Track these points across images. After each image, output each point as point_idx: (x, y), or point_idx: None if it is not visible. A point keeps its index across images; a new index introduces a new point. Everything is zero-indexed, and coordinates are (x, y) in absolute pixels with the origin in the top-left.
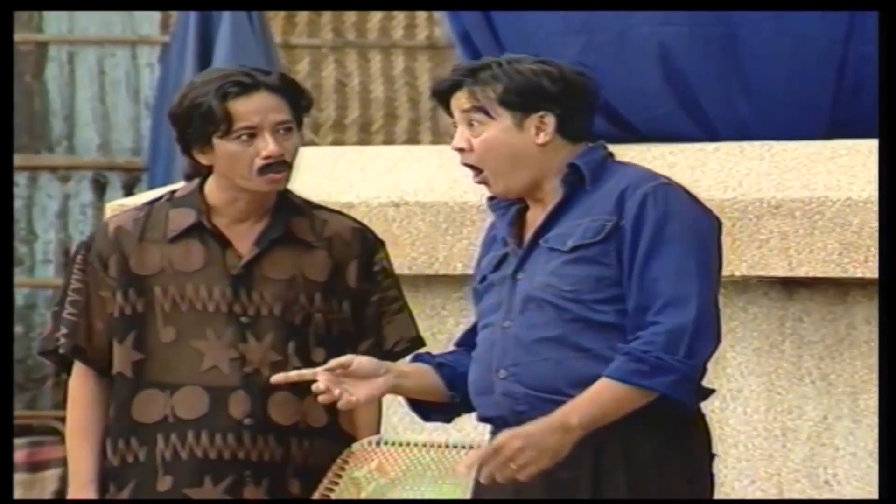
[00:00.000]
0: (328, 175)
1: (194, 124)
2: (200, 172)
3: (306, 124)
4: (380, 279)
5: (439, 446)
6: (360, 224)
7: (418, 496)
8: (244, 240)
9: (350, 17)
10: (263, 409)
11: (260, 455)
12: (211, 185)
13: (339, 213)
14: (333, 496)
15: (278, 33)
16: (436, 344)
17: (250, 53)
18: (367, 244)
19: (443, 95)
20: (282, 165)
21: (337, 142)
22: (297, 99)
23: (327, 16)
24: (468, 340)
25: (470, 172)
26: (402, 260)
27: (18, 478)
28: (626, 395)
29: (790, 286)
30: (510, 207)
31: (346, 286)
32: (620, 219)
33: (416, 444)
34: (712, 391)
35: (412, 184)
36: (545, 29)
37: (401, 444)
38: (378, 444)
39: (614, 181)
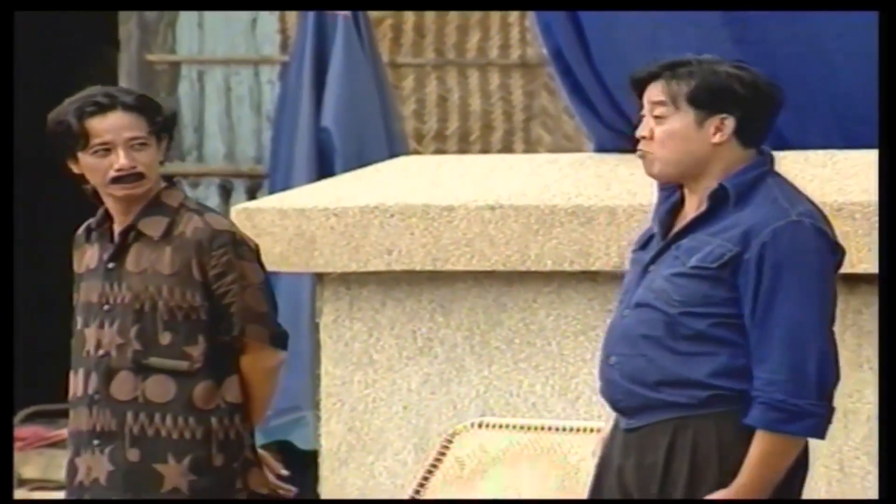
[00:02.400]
0: (431, 181)
1: (60, 140)
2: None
3: (411, 134)
4: (219, 273)
5: (535, 428)
6: (210, 226)
7: (515, 474)
8: (117, 238)
9: (451, 37)
10: (106, 386)
11: (103, 426)
12: None
13: (205, 214)
14: (438, 472)
15: (385, 53)
16: (527, 333)
17: (360, 72)
18: (207, 243)
19: (639, 84)
20: (134, 176)
21: (438, 151)
22: (153, 116)
23: (430, 37)
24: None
25: (557, 177)
26: (497, 258)
27: None
28: (779, 444)
29: (851, 282)
30: (673, 196)
31: (192, 279)
32: (744, 252)
33: (513, 426)
34: None
35: (506, 189)
36: (632, 45)
37: (500, 426)
38: (479, 425)
39: (752, 209)
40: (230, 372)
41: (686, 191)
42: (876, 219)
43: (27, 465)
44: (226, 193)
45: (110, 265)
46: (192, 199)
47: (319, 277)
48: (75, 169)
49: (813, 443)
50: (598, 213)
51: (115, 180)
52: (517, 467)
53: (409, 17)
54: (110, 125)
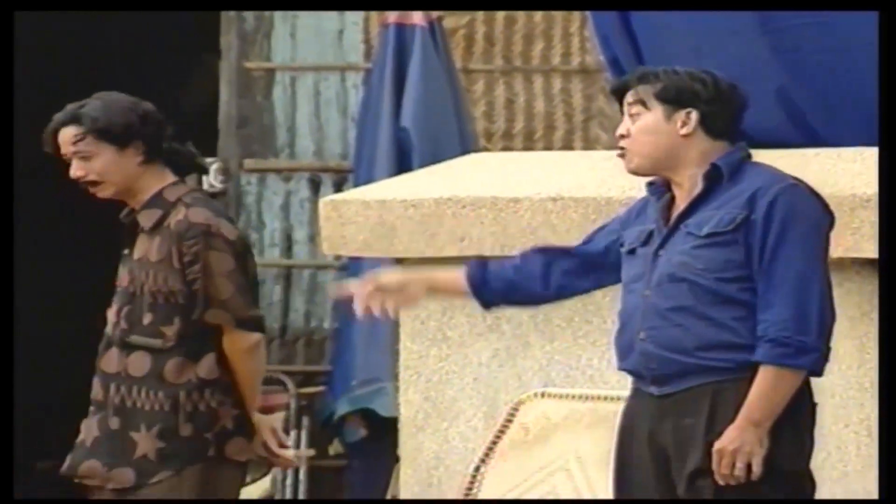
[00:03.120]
0: (500, 176)
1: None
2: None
3: (481, 133)
4: (189, 261)
5: (593, 398)
6: (188, 218)
7: (575, 439)
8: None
9: (518, 46)
10: (100, 361)
11: (96, 396)
12: None
13: (191, 208)
14: (505, 437)
15: (459, 60)
16: (585, 312)
17: (436, 77)
18: (183, 233)
19: (617, 93)
20: (89, 184)
21: (506, 148)
22: (91, 124)
23: (499, 45)
24: (537, 252)
25: (613, 172)
26: (559, 244)
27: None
28: (783, 377)
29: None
30: (665, 194)
31: (172, 266)
32: (751, 213)
33: (573, 396)
34: None
35: (567, 182)
36: (679, 53)
37: (561, 396)
38: (542, 395)
39: (748, 181)
40: (206, 350)
41: (674, 186)
42: None
43: None
44: (315, 187)
45: (125, 252)
46: (195, 195)
47: (399, 262)
48: None
49: (844, 410)
50: None
51: (82, 186)
52: (576, 433)
53: (480, 27)
54: (62, 140)
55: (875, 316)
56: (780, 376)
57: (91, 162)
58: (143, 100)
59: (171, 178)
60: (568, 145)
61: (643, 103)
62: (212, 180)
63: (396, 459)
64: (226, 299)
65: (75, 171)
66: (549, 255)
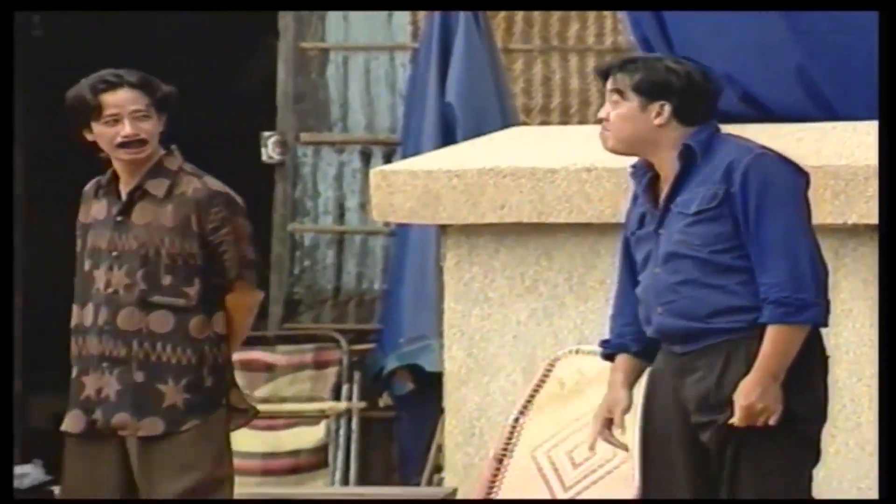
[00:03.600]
0: (537, 148)
1: (78, 112)
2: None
3: (521, 109)
4: (216, 226)
5: None
6: (208, 187)
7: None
8: (125, 196)
9: (554, 27)
10: (115, 319)
11: (111, 352)
12: None
13: (203, 178)
14: (542, 391)
15: (500, 40)
16: (616, 274)
17: (478, 56)
18: (204, 202)
19: (601, 75)
20: (137, 143)
21: (543, 123)
22: (154, 93)
23: (537, 27)
24: (623, 309)
25: None
26: (592, 212)
27: (307, 374)
28: (790, 333)
29: None
30: (645, 175)
31: (191, 231)
32: (730, 187)
33: None
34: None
35: (600, 154)
36: (704, 34)
37: (594, 353)
38: (577, 352)
39: (721, 155)
40: (218, 308)
41: (657, 169)
42: None
43: None
44: (366, 158)
45: (119, 218)
46: (188, 164)
47: (443, 228)
48: (89, 137)
49: (857, 366)
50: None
51: (122, 146)
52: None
53: (520, 10)
54: (118, 99)
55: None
56: (787, 333)
57: (145, 123)
58: (212, 79)
59: (163, 150)
60: (602, 120)
61: (621, 93)
62: (270, 152)
63: (441, 411)
64: (254, 259)
65: (130, 129)
66: (635, 301)
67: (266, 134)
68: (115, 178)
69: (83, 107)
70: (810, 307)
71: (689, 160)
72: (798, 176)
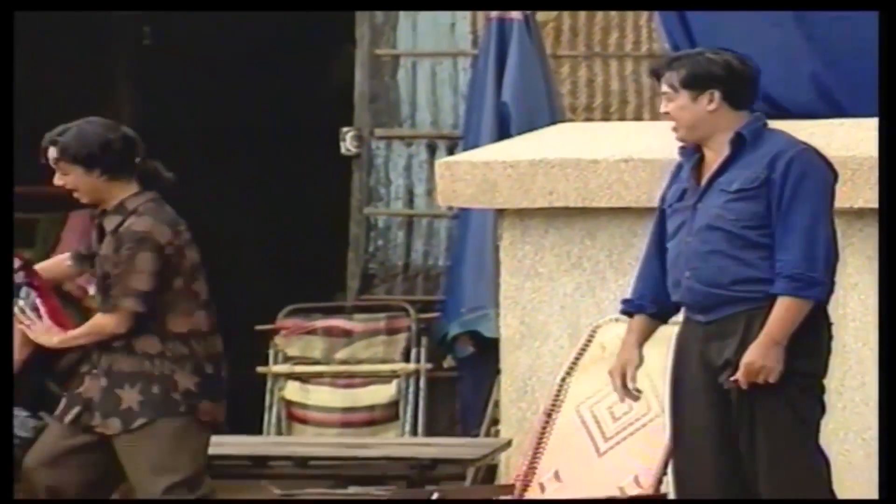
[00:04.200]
0: (582, 141)
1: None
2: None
3: (567, 108)
4: (119, 259)
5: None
6: (131, 226)
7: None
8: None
9: (597, 36)
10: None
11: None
12: None
13: (142, 214)
14: (586, 354)
15: (549, 47)
16: None
17: (530, 61)
18: (124, 239)
19: (655, 75)
20: (68, 191)
21: (587, 119)
22: (65, 150)
23: (581, 35)
24: (645, 273)
25: (675, 138)
26: (630, 198)
27: (380, 339)
28: (796, 305)
29: None
30: (694, 156)
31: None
32: (772, 173)
33: None
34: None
35: (637, 147)
36: (729, 42)
37: None
38: (616, 320)
39: (768, 146)
40: (150, 328)
41: (705, 150)
42: None
43: (291, 347)
44: (431, 151)
45: (97, 248)
46: (149, 204)
47: (499, 212)
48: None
49: (863, 332)
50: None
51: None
52: (646, 349)
53: (567, 20)
54: (49, 156)
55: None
56: (794, 304)
57: (67, 177)
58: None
59: (134, 188)
60: (638, 117)
61: (674, 88)
62: (348, 145)
63: (497, 371)
64: (136, 289)
65: (57, 180)
66: (658, 268)
67: (344, 129)
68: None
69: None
70: (817, 285)
71: (739, 146)
72: (830, 174)
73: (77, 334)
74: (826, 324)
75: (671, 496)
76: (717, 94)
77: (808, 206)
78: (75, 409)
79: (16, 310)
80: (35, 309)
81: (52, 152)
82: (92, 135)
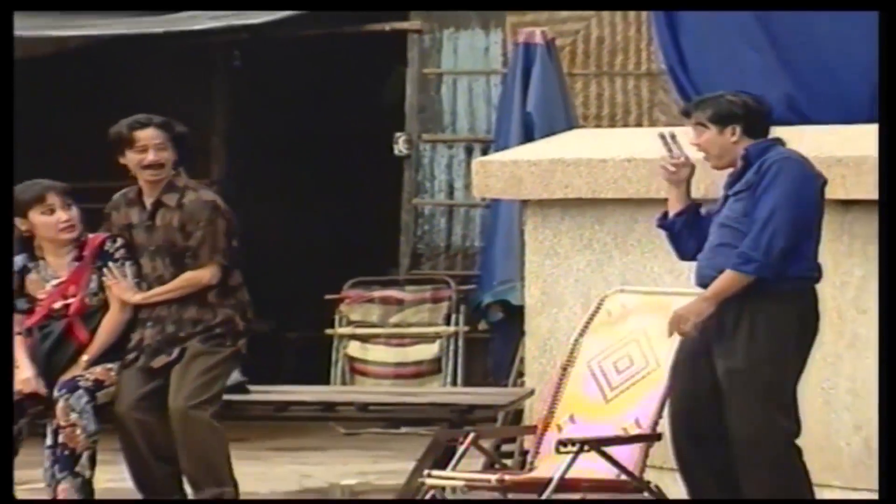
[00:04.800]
0: (592, 144)
1: (116, 142)
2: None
3: (580, 116)
4: (198, 225)
5: (655, 293)
6: (201, 197)
7: (643, 321)
8: (149, 205)
9: (605, 57)
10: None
11: (150, 315)
12: None
13: (198, 188)
14: (595, 319)
15: (565, 66)
16: (650, 236)
17: (550, 78)
18: (198, 209)
19: (685, 114)
20: (157, 167)
21: (597, 126)
22: (171, 131)
23: (592, 57)
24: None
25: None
26: (632, 190)
27: (426, 306)
28: (732, 277)
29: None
30: (730, 176)
31: (188, 232)
32: (756, 178)
33: (642, 292)
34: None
35: (638, 149)
36: (714, 63)
37: (634, 292)
38: (621, 291)
39: (761, 160)
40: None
41: (733, 169)
42: None
43: (353, 313)
44: (468, 152)
45: (148, 222)
46: (191, 181)
47: (524, 202)
48: (123, 161)
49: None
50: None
51: (145, 168)
52: (644, 315)
53: (580, 44)
54: (146, 135)
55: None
56: (731, 276)
57: (164, 153)
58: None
59: (173, 171)
60: (639, 124)
61: (703, 125)
62: (400, 147)
63: (523, 333)
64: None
65: (153, 157)
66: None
67: (397, 134)
68: (139, 193)
69: (120, 139)
70: (753, 262)
71: (745, 161)
72: (809, 175)
73: (171, 287)
74: (811, 331)
75: (666, 435)
76: (738, 129)
77: (770, 200)
78: (144, 356)
79: (105, 270)
80: (122, 272)
81: (158, 131)
82: (179, 126)
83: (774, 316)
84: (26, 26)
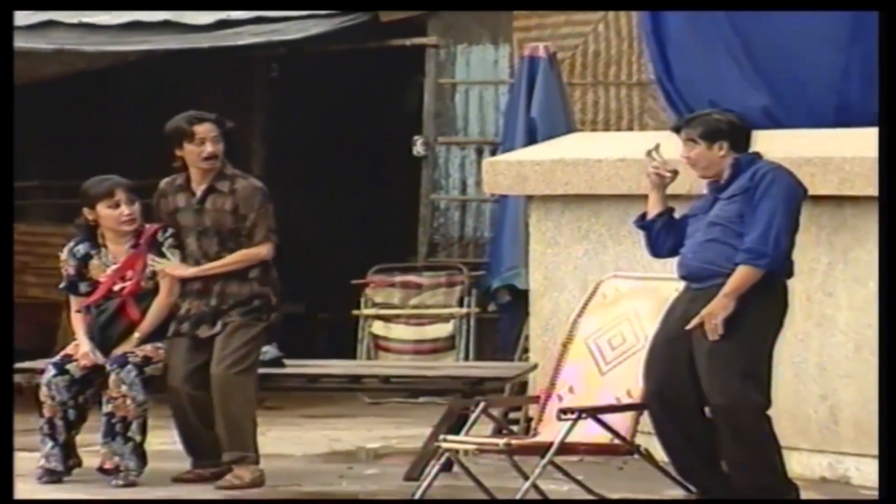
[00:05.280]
0: (589, 146)
1: (175, 135)
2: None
3: (578, 121)
4: (253, 208)
5: (645, 278)
6: (252, 183)
7: (634, 302)
8: (199, 192)
9: (601, 68)
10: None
11: (200, 288)
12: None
13: (247, 177)
14: (592, 301)
15: (565, 76)
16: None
17: (552, 87)
18: (251, 194)
19: (676, 130)
20: (213, 158)
21: (593, 130)
22: (223, 126)
23: (589, 68)
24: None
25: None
26: (625, 187)
27: (442, 290)
28: (748, 271)
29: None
30: (714, 184)
31: (242, 214)
32: (751, 183)
33: (633, 277)
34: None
35: (630, 149)
36: (698, 75)
37: (626, 277)
38: (615, 276)
39: (755, 167)
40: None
41: (718, 179)
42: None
43: (377, 296)
44: (479, 153)
45: (198, 206)
46: (238, 171)
47: (529, 198)
48: (179, 153)
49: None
50: (676, 164)
51: (205, 159)
52: (636, 298)
53: (579, 57)
54: (204, 129)
55: (866, 235)
56: (746, 270)
57: (220, 146)
58: (378, 105)
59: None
60: (630, 129)
61: (693, 140)
62: (418, 149)
63: (527, 314)
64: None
65: (212, 149)
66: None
67: (416, 137)
68: (188, 180)
69: (179, 132)
70: (765, 257)
71: (736, 170)
72: (795, 186)
73: (229, 261)
74: (780, 310)
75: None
76: (725, 144)
77: (769, 204)
78: (189, 323)
79: (149, 259)
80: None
81: (215, 127)
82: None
83: (758, 304)
84: (91, 42)
